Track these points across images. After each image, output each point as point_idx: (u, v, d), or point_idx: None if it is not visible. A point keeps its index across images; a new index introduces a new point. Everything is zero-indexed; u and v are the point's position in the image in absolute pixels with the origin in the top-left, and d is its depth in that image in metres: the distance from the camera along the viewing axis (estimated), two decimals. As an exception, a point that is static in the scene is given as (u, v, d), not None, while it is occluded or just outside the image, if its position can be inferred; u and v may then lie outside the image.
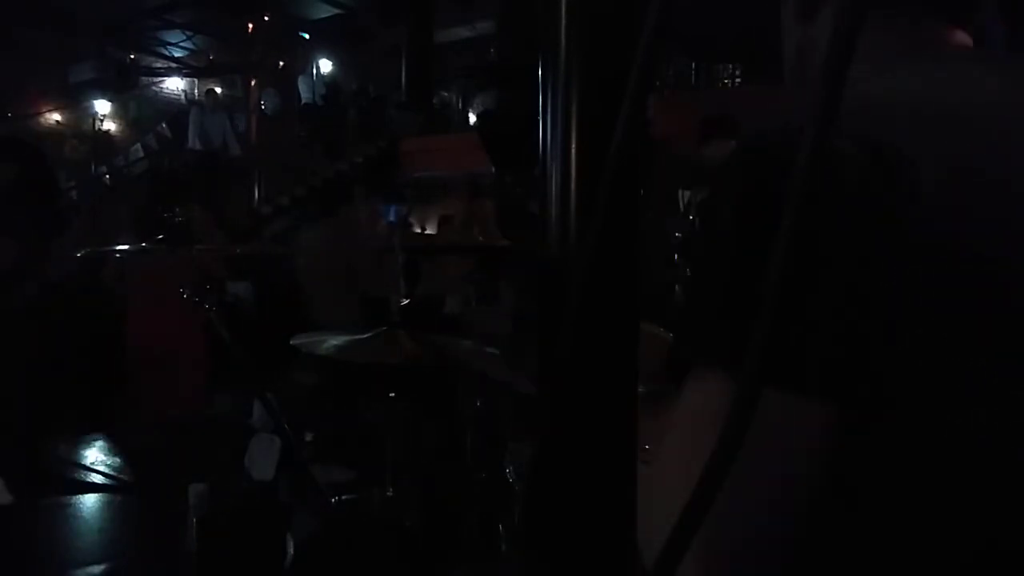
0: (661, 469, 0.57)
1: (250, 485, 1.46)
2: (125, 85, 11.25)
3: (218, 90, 11.56)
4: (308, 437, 1.83)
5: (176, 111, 12.74)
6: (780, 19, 0.78)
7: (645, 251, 0.36)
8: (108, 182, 11.23)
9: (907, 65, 0.66)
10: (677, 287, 2.74)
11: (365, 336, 1.66)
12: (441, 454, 1.81)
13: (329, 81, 11.74)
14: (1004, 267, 0.56)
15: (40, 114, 11.90)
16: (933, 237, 0.54)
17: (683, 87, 7.94)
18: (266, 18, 10.81)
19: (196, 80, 13.26)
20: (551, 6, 0.35)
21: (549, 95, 0.36)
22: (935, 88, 0.63)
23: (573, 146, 0.36)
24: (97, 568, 1.13)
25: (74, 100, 11.39)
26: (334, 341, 1.65)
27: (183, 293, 1.56)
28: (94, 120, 12.50)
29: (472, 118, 9.33)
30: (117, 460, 1.60)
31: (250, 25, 10.76)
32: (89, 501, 1.38)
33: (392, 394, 1.68)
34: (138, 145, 12.67)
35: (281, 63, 11.66)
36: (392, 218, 5.08)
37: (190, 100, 12.76)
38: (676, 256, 3.26)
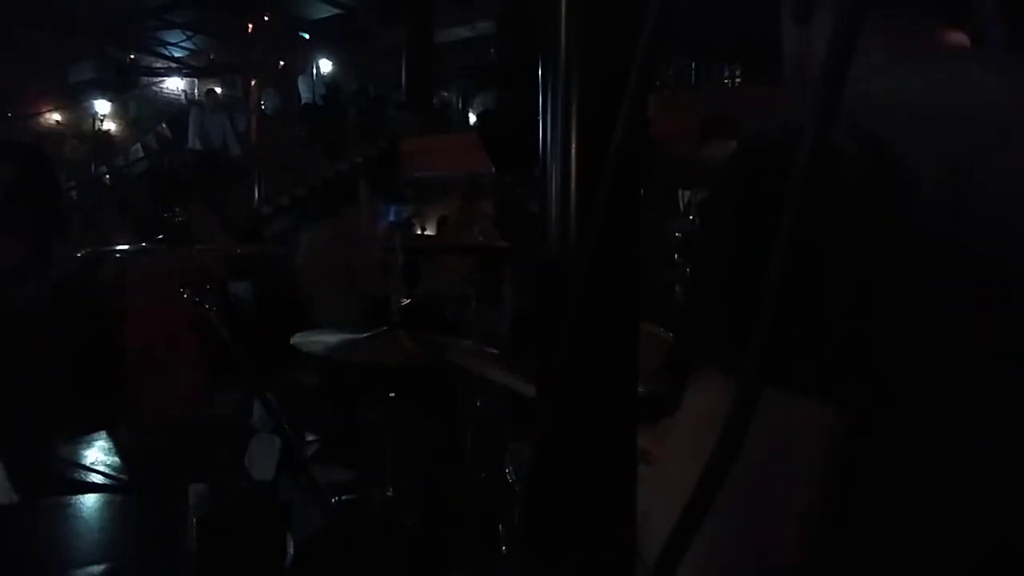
0: (664, 470, 0.57)
1: (250, 485, 1.45)
2: (125, 85, 11.24)
3: (218, 90, 11.56)
4: (308, 437, 1.83)
5: (176, 111, 12.74)
6: (780, 19, 0.78)
7: (645, 251, 0.36)
8: (108, 182, 11.22)
9: (907, 65, 0.66)
10: (677, 287, 2.74)
11: (365, 336, 1.66)
12: (441, 454, 1.81)
13: (329, 81, 11.73)
14: (1004, 267, 0.56)
15: (40, 114, 11.89)
16: (933, 237, 0.54)
17: (683, 87, 7.93)
18: (266, 18, 10.80)
19: (196, 80, 13.25)
20: (551, 6, 0.35)
21: (549, 95, 0.36)
22: (935, 88, 0.63)
23: (573, 146, 0.36)
24: (97, 568, 1.13)
25: (74, 100, 11.38)
26: (334, 341, 1.65)
27: (183, 293, 1.56)
28: (94, 120, 12.50)
29: (472, 118, 9.33)
30: (117, 460, 1.60)
31: (250, 25, 10.75)
32: (89, 501, 1.38)
33: (392, 394, 1.69)
34: (138, 145, 12.66)
35: (281, 63, 11.66)
36: (392, 218, 5.07)
37: (190, 100, 12.76)
38: (676, 256, 3.26)
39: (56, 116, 12.18)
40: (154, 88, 13.25)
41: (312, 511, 1.44)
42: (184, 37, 12.42)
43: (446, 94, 10.73)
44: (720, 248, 0.59)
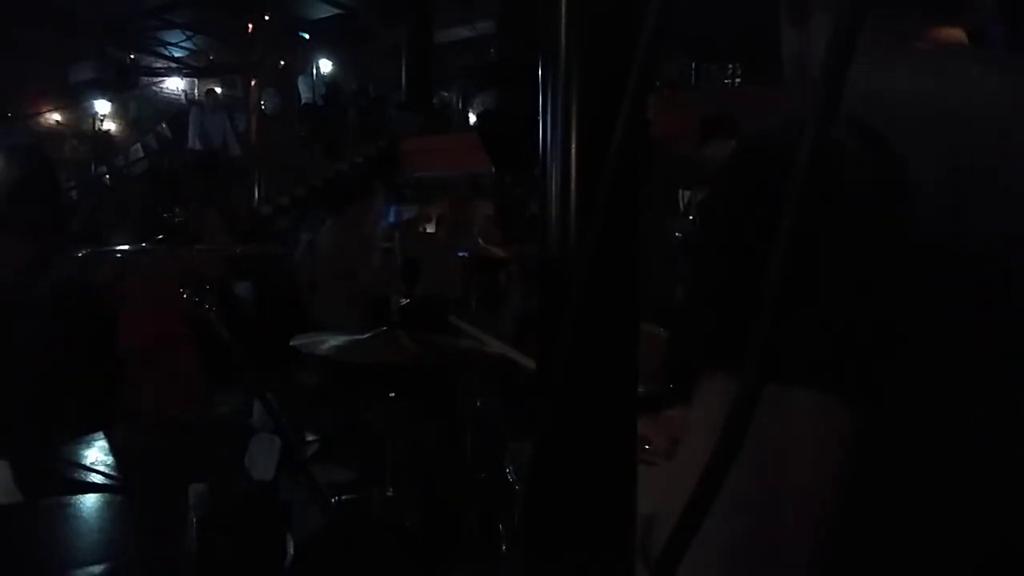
0: (675, 475, 0.57)
1: (250, 485, 1.45)
2: (125, 85, 11.24)
3: (218, 90, 11.57)
4: (308, 437, 1.83)
5: (176, 111, 12.74)
6: (779, 20, 0.78)
7: (645, 251, 0.36)
8: (108, 182, 11.22)
9: (907, 64, 0.66)
10: (677, 287, 2.74)
11: (365, 336, 1.66)
12: (441, 454, 1.81)
13: (329, 81, 11.74)
14: (1004, 267, 0.56)
15: (40, 114, 11.89)
16: (933, 237, 0.54)
17: (683, 87, 7.94)
18: (266, 18, 10.80)
19: (196, 80, 13.26)
20: (551, 6, 0.35)
21: (549, 95, 0.36)
22: (935, 88, 0.63)
23: (573, 146, 0.36)
24: (97, 568, 1.13)
25: (74, 100, 11.39)
26: (334, 341, 1.65)
27: (183, 293, 1.56)
28: (94, 120, 12.50)
29: (472, 118, 9.34)
30: (117, 460, 1.60)
31: (250, 25, 10.76)
32: (89, 501, 1.38)
33: (392, 394, 1.68)
34: (138, 145, 12.67)
35: (281, 63, 11.66)
36: (392, 218, 5.08)
37: (190, 100, 12.76)
38: (676, 256, 3.26)
39: (56, 116, 12.18)
40: (154, 88, 13.25)
41: (312, 511, 1.44)
42: (184, 37, 12.43)
43: (446, 94, 10.74)
44: (720, 248, 0.59)
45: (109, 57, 10.73)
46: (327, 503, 1.51)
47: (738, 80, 7.67)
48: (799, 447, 0.53)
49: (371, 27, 10.40)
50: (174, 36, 12.42)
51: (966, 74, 0.65)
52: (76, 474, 1.53)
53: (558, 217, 0.36)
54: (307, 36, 11.78)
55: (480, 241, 3.94)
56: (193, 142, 10.57)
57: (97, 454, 1.62)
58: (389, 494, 1.62)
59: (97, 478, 1.52)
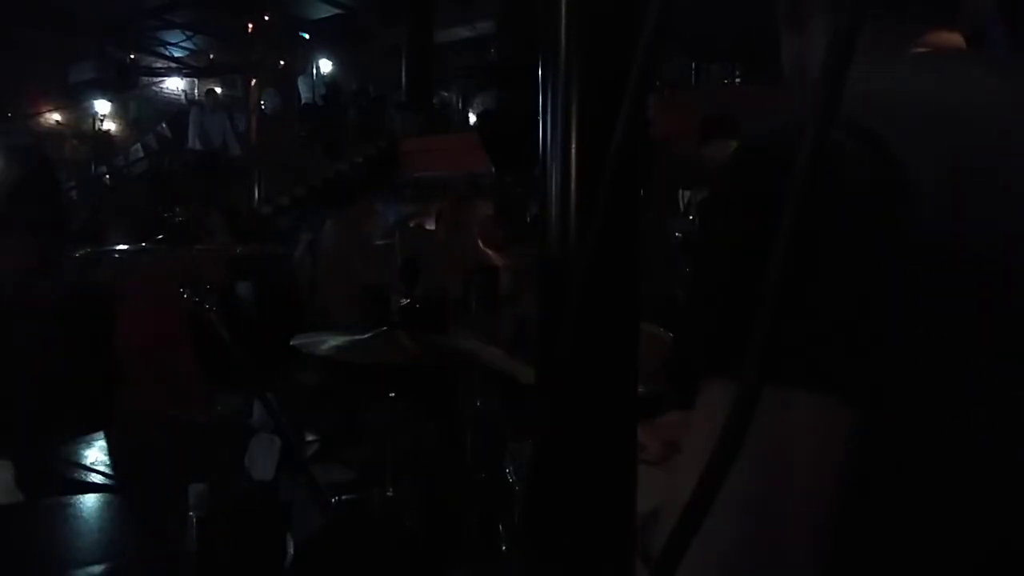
0: (676, 477, 0.57)
1: (250, 485, 1.46)
2: (125, 85, 11.24)
3: (218, 90, 11.57)
4: (308, 437, 1.84)
5: (176, 111, 12.75)
6: (779, 23, 0.78)
7: (645, 251, 0.36)
8: (108, 182, 11.23)
9: (905, 66, 0.66)
10: (677, 287, 2.74)
11: (365, 336, 1.66)
12: (441, 454, 1.81)
13: (329, 81, 11.74)
14: (1004, 267, 0.56)
15: (40, 114, 11.90)
16: (933, 237, 0.54)
17: (683, 87, 7.94)
18: (266, 18, 10.81)
19: (196, 80, 13.26)
20: (551, 6, 0.35)
21: (549, 95, 0.36)
22: (935, 88, 0.63)
23: (573, 146, 0.36)
24: (97, 568, 1.13)
25: (74, 100, 11.39)
26: (334, 341, 1.65)
27: (183, 293, 1.56)
28: (94, 120, 12.51)
29: (472, 118, 9.34)
30: (117, 460, 1.60)
31: (250, 25, 10.76)
32: (89, 501, 1.38)
33: (392, 394, 1.69)
34: (138, 145, 12.67)
35: (281, 63, 11.67)
36: (392, 218, 5.08)
37: (190, 100, 12.77)
38: (676, 256, 3.26)
39: (56, 116, 12.18)
40: (154, 88, 13.25)
41: (312, 511, 1.44)
42: (184, 37, 12.43)
43: (446, 94, 10.74)
44: (720, 249, 0.59)
45: (109, 57, 10.72)
46: (327, 503, 1.51)
47: (738, 80, 7.68)
48: (799, 447, 0.53)
49: (371, 27, 10.40)
50: (174, 36, 12.43)
51: (965, 75, 0.65)
52: (76, 474, 1.53)
53: (558, 217, 0.36)
54: (307, 36, 11.78)
55: (480, 243, 3.94)
56: (193, 142, 10.57)
57: (97, 454, 1.62)
58: (389, 494, 1.62)
59: (97, 478, 1.52)
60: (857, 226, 0.54)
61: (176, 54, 12.90)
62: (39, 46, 10.43)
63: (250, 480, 1.46)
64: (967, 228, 0.56)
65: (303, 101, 11.55)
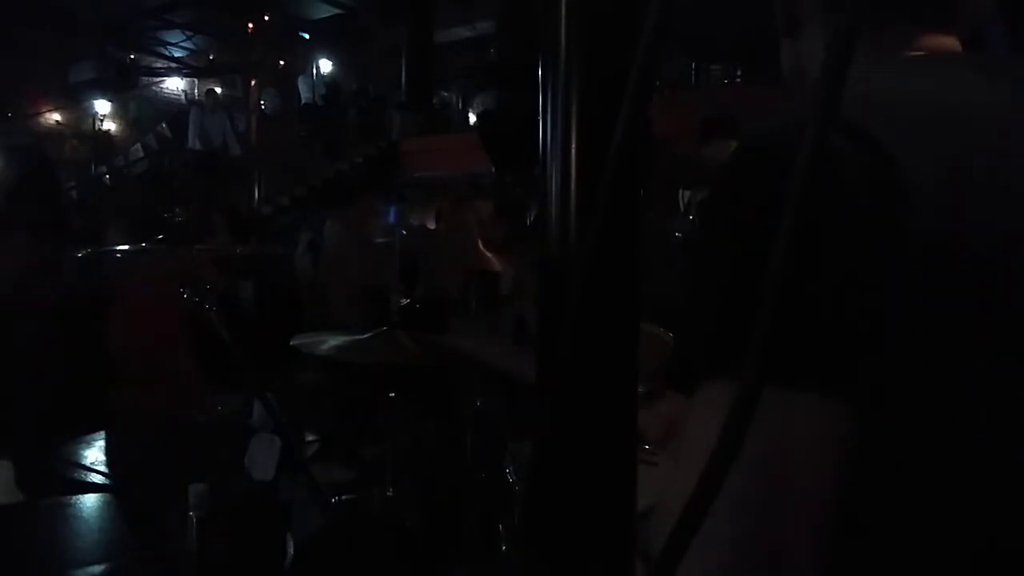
0: (676, 479, 0.57)
1: (250, 485, 1.46)
2: (125, 85, 11.24)
3: (218, 90, 11.56)
4: (308, 437, 1.84)
5: (176, 111, 12.74)
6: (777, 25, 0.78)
7: (645, 251, 0.36)
8: (108, 182, 11.23)
9: (906, 66, 0.66)
10: (677, 287, 2.73)
11: (365, 336, 1.66)
12: (441, 454, 1.81)
13: (329, 81, 11.74)
14: (1004, 267, 0.57)
15: (40, 114, 11.90)
16: (932, 237, 0.54)
17: (683, 87, 7.94)
18: (266, 18, 10.81)
19: (196, 80, 13.26)
20: (551, 6, 0.35)
21: (549, 95, 0.36)
22: (934, 89, 0.63)
23: (573, 146, 0.36)
24: (97, 568, 1.13)
25: (74, 100, 11.39)
26: (334, 341, 1.65)
27: (183, 293, 1.56)
28: (94, 120, 12.50)
29: (472, 118, 9.34)
30: (117, 460, 1.60)
31: (250, 25, 10.76)
32: (89, 501, 1.38)
33: (392, 394, 1.69)
34: (138, 145, 12.67)
35: (281, 63, 11.67)
36: (392, 218, 5.07)
37: (190, 100, 12.76)
38: (676, 256, 3.26)
39: (56, 116, 12.18)
40: (154, 88, 13.25)
41: (312, 511, 1.44)
42: (184, 37, 12.43)
43: (446, 94, 10.75)
44: (720, 249, 0.59)
45: (109, 57, 10.73)
46: (327, 503, 1.52)
47: (738, 80, 7.68)
48: (799, 448, 0.53)
49: (371, 27, 10.41)
50: (174, 36, 12.43)
51: (963, 77, 0.65)
52: (76, 474, 1.53)
53: (558, 217, 0.36)
54: (307, 36, 11.78)
55: (480, 243, 3.93)
56: (193, 142, 10.56)
57: (97, 454, 1.62)
58: (389, 494, 1.62)
59: (97, 478, 1.52)
60: (857, 226, 0.54)
61: (176, 54, 12.90)
62: (39, 46, 10.43)
63: (250, 480, 1.46)
64: (966, 228, 0.56)
65: (303, 101, 11.55)
